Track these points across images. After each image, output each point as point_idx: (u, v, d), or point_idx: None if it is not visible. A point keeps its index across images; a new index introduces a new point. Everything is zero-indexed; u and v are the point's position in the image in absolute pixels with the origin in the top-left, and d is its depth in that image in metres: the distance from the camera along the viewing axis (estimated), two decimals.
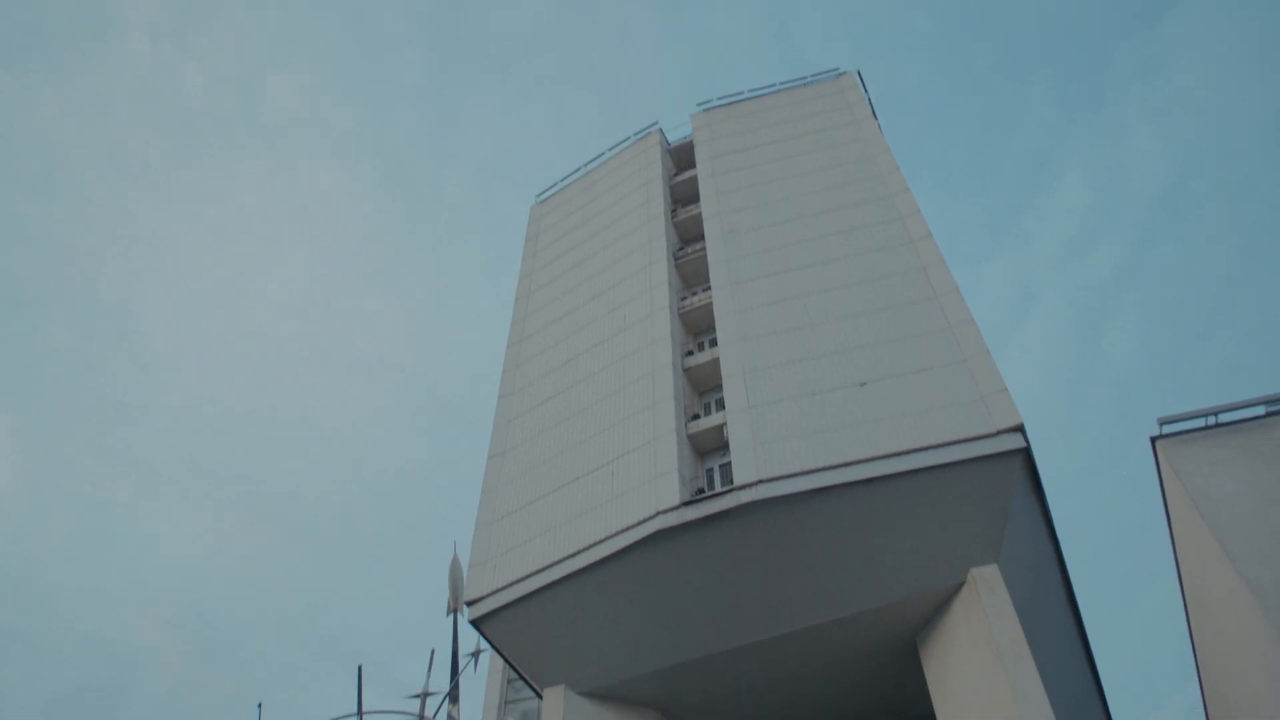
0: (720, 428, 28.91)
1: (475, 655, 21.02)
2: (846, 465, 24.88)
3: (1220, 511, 20.89)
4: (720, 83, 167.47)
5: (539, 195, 46.14)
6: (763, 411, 27.45)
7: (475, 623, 27.95)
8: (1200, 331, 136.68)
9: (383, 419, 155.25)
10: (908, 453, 24.67)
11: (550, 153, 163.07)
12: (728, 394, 28.67)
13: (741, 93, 43.42)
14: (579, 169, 45.51)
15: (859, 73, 41.62)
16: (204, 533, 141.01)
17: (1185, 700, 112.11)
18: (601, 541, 26.54)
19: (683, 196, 40.42)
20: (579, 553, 26.83)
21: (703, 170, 39.20)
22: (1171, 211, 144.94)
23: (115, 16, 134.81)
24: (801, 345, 29.09)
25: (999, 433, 24.37)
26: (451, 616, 21.09)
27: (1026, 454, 24.51)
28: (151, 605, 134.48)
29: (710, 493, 26.03)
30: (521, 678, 29.62)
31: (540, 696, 28.64)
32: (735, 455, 26.47)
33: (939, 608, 25.59)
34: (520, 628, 27.80)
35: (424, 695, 18.93)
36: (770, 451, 25.98)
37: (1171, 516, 23.10)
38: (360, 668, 18.31)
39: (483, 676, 41.02)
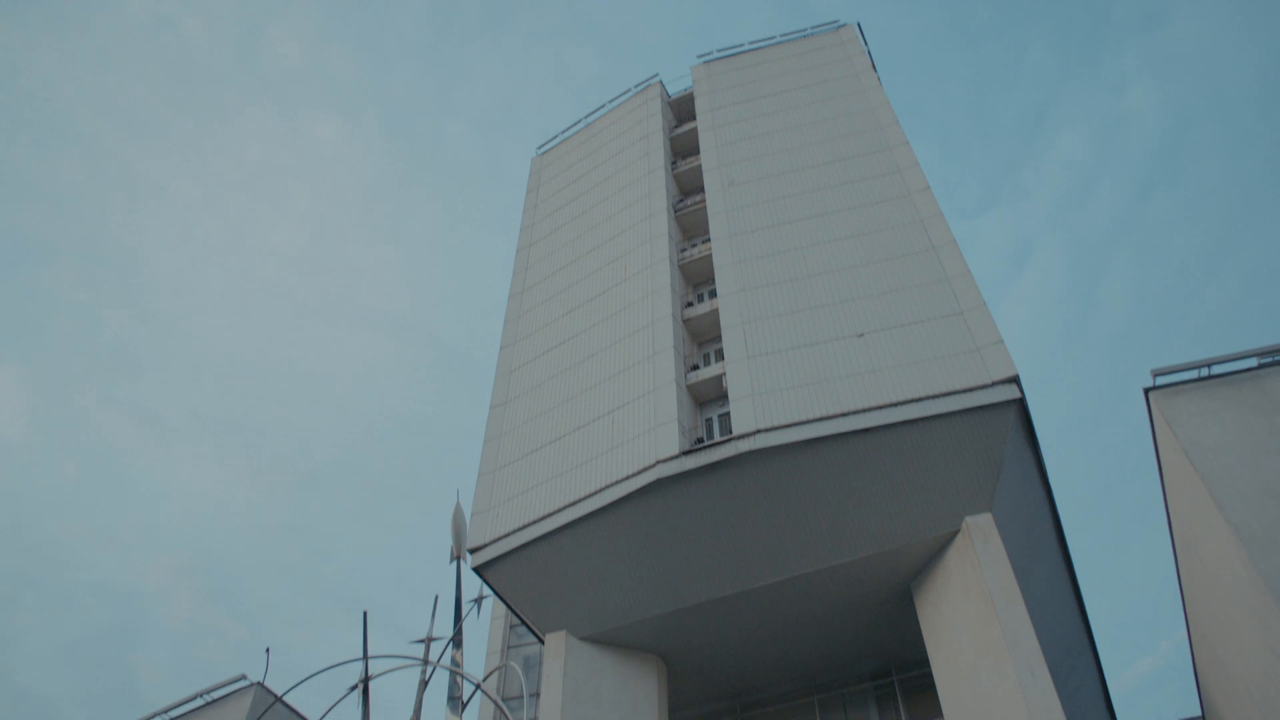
0: (719, 378, 29.19)
1: (478, 601, 21.34)
2: (843, 415, 25.19)
3: (1211, 461, 21.14)
4: (720, 34, 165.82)
5: (540, 147, 46.12)
6: (761, 362, 27.70)
7: (478, 570, 28.40)
8: (1195, 284, 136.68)
9: (386, 370, 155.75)
10: (904, 403, 24.98)
11: (551, 105, 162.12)
12: (727, 345, 28.92)
13: (741, 45, 43.28)
14: (579, 121, 45.46)
15: (859, 25, 41.45)
16: (211, 482, 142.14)
17: (1172, 644, 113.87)
18: (602, 490, 26.92)
19: (683, 149, 40.40)
20: (580, 501, 27.23)
21: (703, 122, 39.15)
22: (1168, 165, 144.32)
23: None
24: (800, 296, 29.27)
25: (994, 384, 24.66)
26: (455, 563, 21.39)
27: (1021, 405, 24.81)
28: (160, 553, 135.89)
29: (709, 442, 26.33)
30: (523, 623, 30.14)
31: (542, 641, 29.22)
32: (734, 405, 26.77)
33: (933, 555, 26.03)
34: (522, 574, 28.25)
35: (428, 640, 19.24)
36: (768, 401, 26.27)
37: (1163, 466, 23.43)
38: (366, 614, 18.62)
39: (486, 622, 41.79)
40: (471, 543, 28.42)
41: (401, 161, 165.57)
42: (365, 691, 18.11)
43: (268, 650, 19.43)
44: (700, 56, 43.67)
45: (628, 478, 26.67)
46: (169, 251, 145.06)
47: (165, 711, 23.03)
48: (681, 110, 42.75)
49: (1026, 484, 26.97)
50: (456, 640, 19.88)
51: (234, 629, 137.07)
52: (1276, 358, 22.80)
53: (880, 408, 25.11)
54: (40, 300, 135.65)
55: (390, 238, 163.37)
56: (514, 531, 28.14)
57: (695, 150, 39.17)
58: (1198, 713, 28.10)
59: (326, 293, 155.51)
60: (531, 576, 28.24)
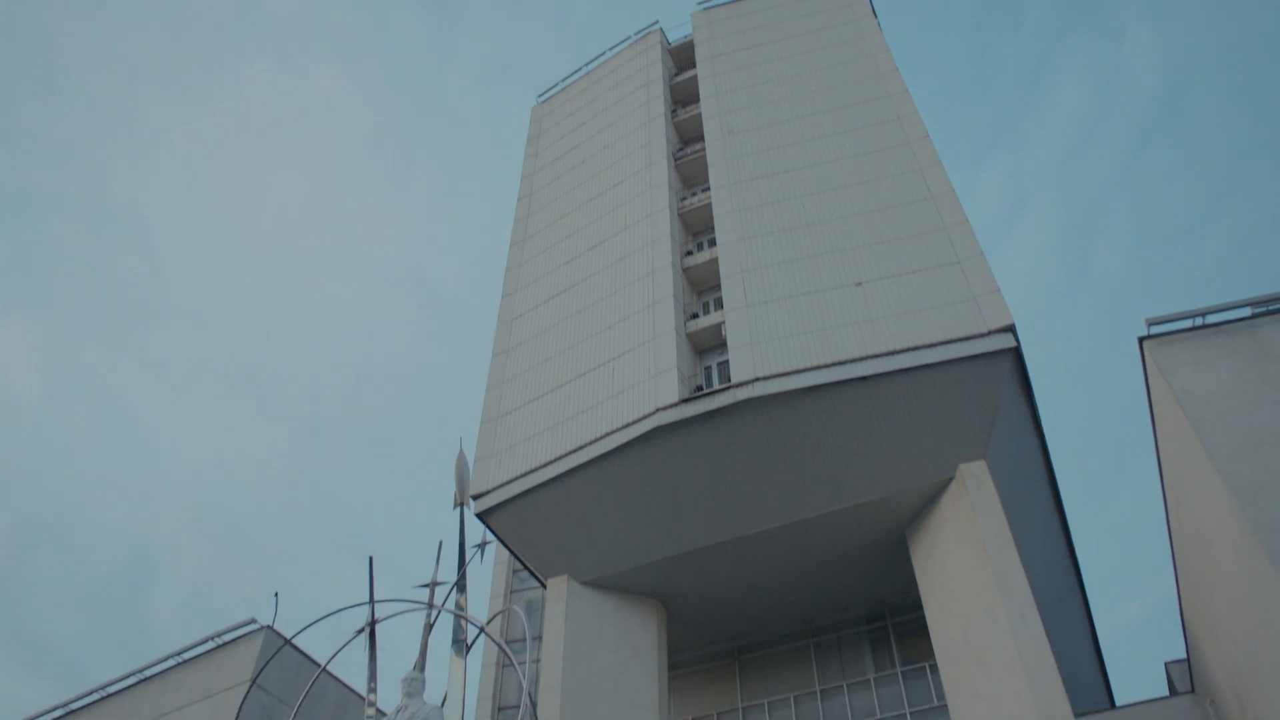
0: (718, 326, 29.41)
1: (481, 547, 21.71)
2: (841, 364, 25.45)
3: (1203, 409, 21.32)
4: None
5: (540, 96, 45.87)
6: (760, 310, 27.90)
7: (481, 516, 28.85)
8: (1192, 235, 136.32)
9: (390, 319, 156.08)
10: (901, 351, 25.21)
11: (551, 53, 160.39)
12: (726, 293, 29.10)
13: None
14: (580, 69, 45.16)
15: None
16: (219, 431, 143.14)
17: (1160, 589, 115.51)
18: (602, 437, 27.27)
19: (683, 97, 40.23)
20: (581, 448, 27.58)
21: (703, 70, 38.94)
22: (1168, 115, 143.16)
23: None
24: (799, 245, 29.39)
25: (990, 333, 24.88)
26: (458, 510, 21.75)
27: (1016, 354, 25.07)
28: (171, 501, 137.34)
29: (708, 390, 26.64)
30: (526, 568, 30.67)
31: (544, 586, 29.77)
32: (733, 353, 27.02)
33: (928, 502, 26.42)
34: (524, 520, 28.71)
35: (433, 585, 19.61)
36: (767, 350, 26.52)
37: (1155, 415, 23.68)
38: (371, 559, 19.03)
39: (489, 567, 42.42)
40: (475, 489, 28.78)
41: (403, 111, 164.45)
42: (371, 635, 18.54)
43: (276, 595, 19.90)
44: (700, 3, 43.28)
45: (628, 425, 27.00)
46: (173, 203, 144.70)
47: (178, 654, 23.57)
48: (681, 58, 42.47)
49: (1020, 432, 27.32)
50: (460, 585, 20.26)
51: (243, 575, 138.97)
52: (1271, 307, 22.90)
53: (877, 356, 25.35)
54: (47, 252, 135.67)
55: (392, 188, 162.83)
56: (516, 478, 28.54)
57: (695, 98, 39.01)
58: (1183, 655, 28.68)
59: (329, 243, 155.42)
60: (534, 522, 28.70)
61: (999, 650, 22.46)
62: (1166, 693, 29.64)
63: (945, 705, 25.51)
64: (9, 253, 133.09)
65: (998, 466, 25.79)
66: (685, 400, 26.42)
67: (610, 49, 44.55)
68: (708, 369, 29.61)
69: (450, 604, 19.71)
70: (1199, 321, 23.20)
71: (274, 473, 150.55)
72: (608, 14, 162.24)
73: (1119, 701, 35.08)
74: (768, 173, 32.44)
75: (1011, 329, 24.89)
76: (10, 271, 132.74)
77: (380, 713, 17.66)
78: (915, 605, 27.93)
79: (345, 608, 18.47)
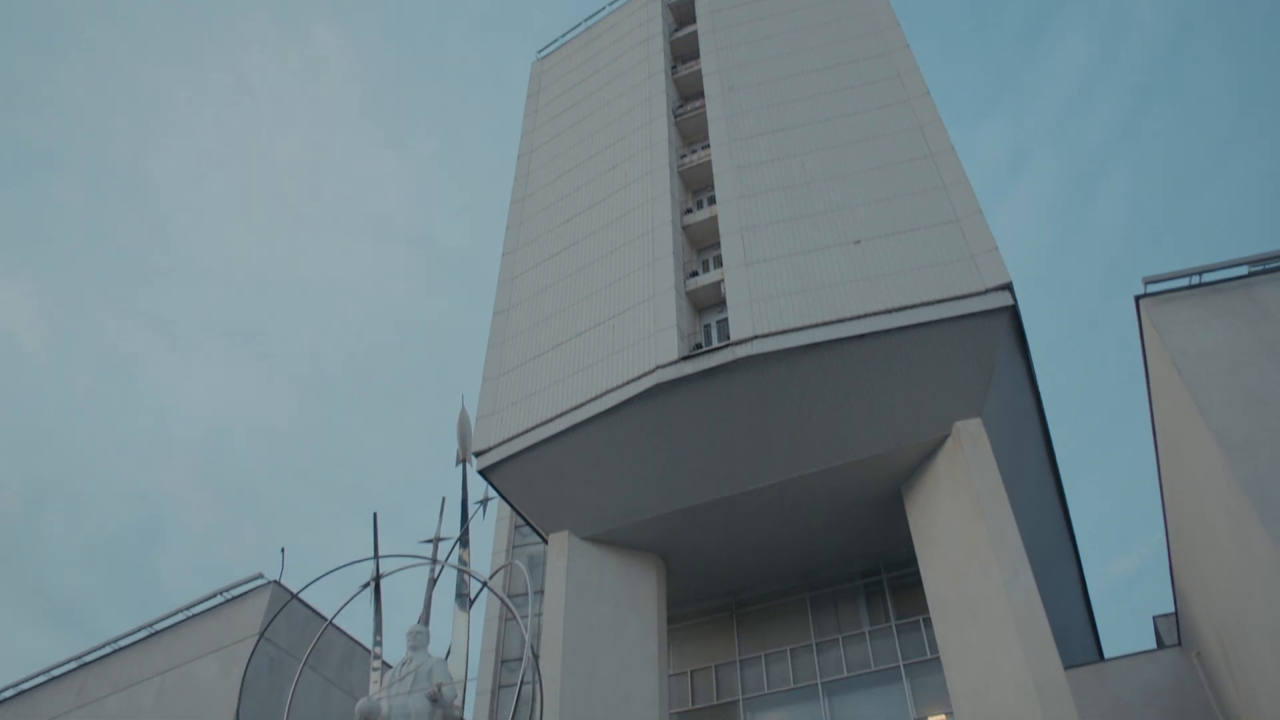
0: (718, 284, 29.54)
1: (484, 503, 21.96)
2: (839, 322, 25.62)
3: (1197, 368, 21.42)
4: None
5: (540, 51, 45.58)
6: (759, 268, 28.01)
7: (483, 472, 29.15)
8: (1192, 193, 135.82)
9: (391, 277, 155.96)
10: (898, 309, 25.37)
11: (551, 8, 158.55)
12: (725, 251, 29.19)
13: None
14: (580, 24, 44.85)
15: None
16: (223, 388, 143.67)
17: (1150, 546, 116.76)
18: (603, 395, 27.50)
19: (683, 52, 39.98)
20: (581, 405, 27.83)
21: (703, 25, 38.68)
22: (1169, 72, 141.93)
23: None
24: (798, 203, 29.43)
25: (987, 291, 25.01)
26: (460, 466, 21.99)
27: (1013, 312, 25.23)
28: (178, 459, 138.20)
29: (707, 348, 26.84)
30: (528, 524, 31.04)
31: (545, 541, 30.18)
32: (732, 311, 27.18)
33: (924, 459, 26.73)
34: (526, 477, 29.03)
35: (436, 540, 19.85)
36: (766, 308, 26.67)
37: (1150, 373, 23.85)
38: (375, 515, 19.22)
39: (491, 523, 42.85)
40: (477, 446, 29.04)
41: (402, 68, 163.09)
42: (377, 589, 18.79)
43: (282, 550, 20.15)
44: None
45: (628, 383, 27.21)
46: (173, 161, 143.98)
47: (187, 609, 23.97)
48: (682, 13, 42.15)
49: (1016, 390, 27.56)
50: (464, 540, 20.50)
51: (250, 530, 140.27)
52: (1268, 266, 22.94)
53: (875, 314, 25.50)
54: (49, 211, 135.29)
55: (392, 145, 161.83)
56: (518, 435, 28.82)
57: (695, 54, 38.79)
58: (1171, 609, 29.16)
59: (331, 200, 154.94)
60: (535, 479, 29.03)
61: (991, 604, 22.87)
62: (1154, 646, 30.15)
63: (938, 658, 25.97)
64: (10, 212, 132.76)
65: (993, 424, 26.05)
66: (685, 358, 26.60)
67: (610, 3, 44.23)
68: (707, 327, 29.78)
69: (453, 559, 19.97)
70: (1196, 280, 23.22)
71: (278, 429, 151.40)
72: None
73: (1108, 654, 35.69)
74: (768, 130, 32.38)
75: (1009, 287, 25.02)
76: (12, 231, 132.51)
77: (386, 665, 17.99)
78: (910, 560, 28.33)
79: (350, 563, 18.60)
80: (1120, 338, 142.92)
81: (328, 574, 18.39)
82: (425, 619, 18.55)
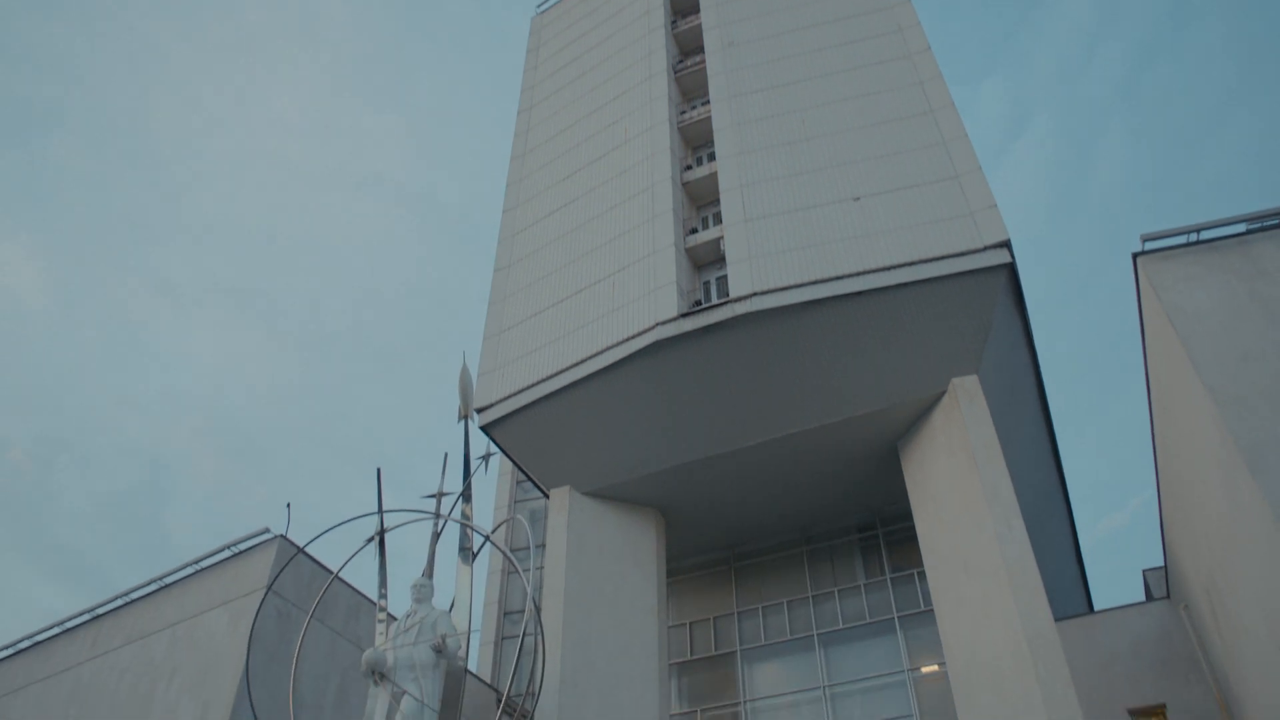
0: (717, 241, 29.63)
1: (485, 458, 22.21)
2: (838, 279, 25.76)
3: (1192, 325, 21.53)
4: None
5: (539, 6, 45.15)
6: (759, 225, 28.07)
7: (485, 428, 29.45)
8: (1192, 152, 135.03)
9: (393, 235, 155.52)
10: (897, 267, 25.49)
11: None
12: (725, 208, 29.23)
13: None
14: None
15: None
16: (227, 346, 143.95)
17: (1142, 502, 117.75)
18: (603, 351, 27.70)
19: (683, 7, 39.67)
20: (582, 362, 28.04)
21: None
22: (1170, 29, 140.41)
23: None
24: (798, 159, 29.42)
25: (985, 248, 25.13)
26: (462, 423, 22.23)
27: (1011, 270, 25.35)
28: (184, 416, 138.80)
29: (707, 304, 26.99)
30: (529, 479, 31.38)
31: (547, 496, 30.56)
32: (731, 268, 27.28)
33: (920, 415, 27.01)
34: (527, 432, 29.32)
35: (439, 495, 20.09)
36: (765, 265, 26.78)
37: (1145, 330, 24.00)
38: (379, 471, 19.46)
39: (493, 478, 43.31)
40: (479, 402, 29.30)
41: (401, 22, 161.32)
42: (381, 543, 19.08)
43: (288, 506, 20.46)
44: None
45: (628, 339, 27.40)
46: (173, 118, 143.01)
47: (196, 562, 24.33)
48: None
49: (1013, 347, 27.75)
50: (466, 495, 20.75)
51: (256, 486, 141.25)
52: (1266, 223, 23.00)
53: (874, 271, 25.64)
54: (49, 169, 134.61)
55: (392, 101, 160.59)
56: (519, 391, 29.06)
57: (695, 9, 38.50)
58: (1161, 563, 29.58)
59: (330, 158, 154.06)
60: (536, 434, 29.30)
61: (985, 558, 23.26)
62: (1143, 599, 30.62)
63: (932, 610, 26.46)
64: (11, 171, 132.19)
65: (989, 381, 26.28)
66: (684, 315, 26.76)
67: None
68: (706, 284, 29.90)
69: (456, 514, 20.25)
70: (1194, 238, 23.27)
71: (282, 387, 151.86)
72: None
73: (1098, 607, 36.22)
74: (768, 85, 32.26)
75: (1007, 245, 25.13)
76: (13, 190, 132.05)
77: (391, 617, 18.29)
78: (905, 515, 28.71)
79: (355, 517, 18.80)
80: (1117, 296, 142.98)
81: (333, 528, 18.65)
82: (429, 572, 18.84)
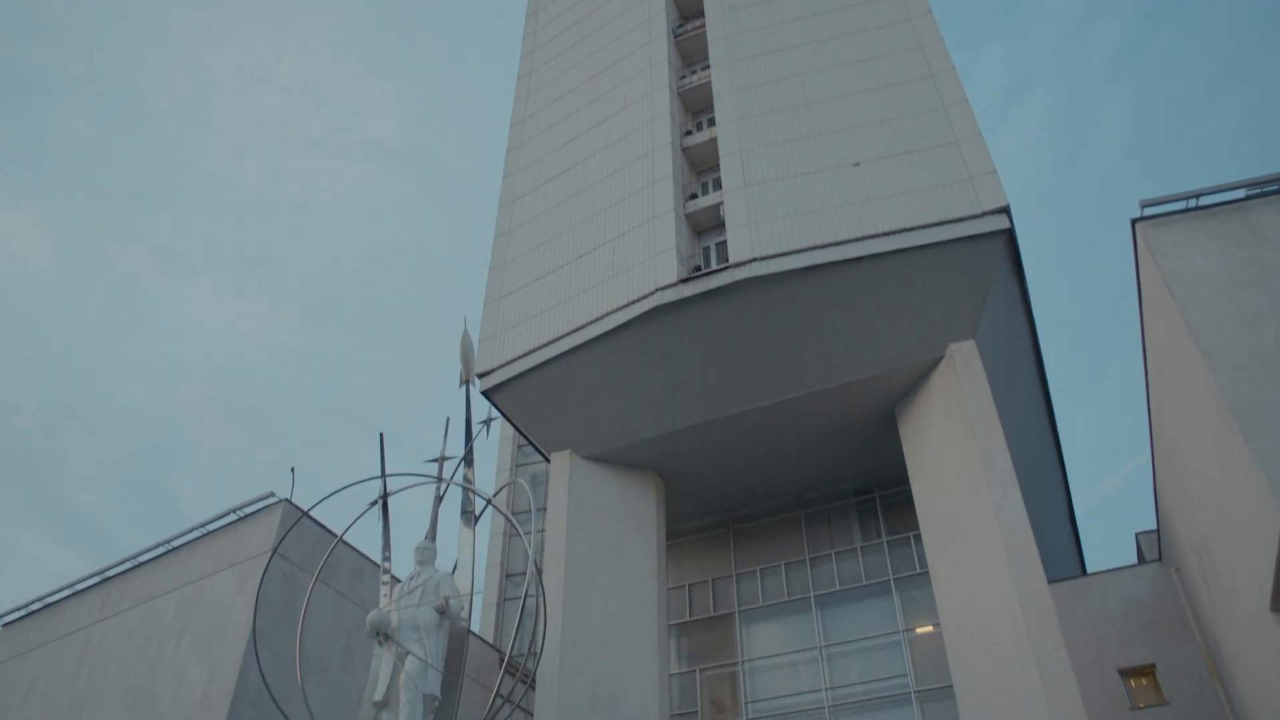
0: (717, 207, 29.67)
1: (487, 423, 22.46)
2: (837, 244, 25.82)
3: (1190, 291, 21.61)
4: None
5: None
6: (758, 191, 28.09)
7: (486, 393, 29.64)
8: (1192, 118, 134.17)
9: (394, 201, 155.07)
10: (896, 232, 25.55)
11: None
12: (725, 173, 29.23)
13: None
14: None
15: None
16: (230, 312, 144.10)
17: (1136, 466, 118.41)
18: (603, 317, 27.82)
19: None
20: (582, 327, 28.16)
21: None
22: None
23: None
24: (798, 124, 29.39)
25: (984, 214, 25.18)
26: (464, 388, 22.44)
27: (1009, 235, 25.42)
28: (189, 382, 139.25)
29: (707, 270, 27.08)
30: (530, 443, 31.62)
31: (548, 460, 30.82)
32: (731, 234, 27.32)
33: (918, 380, 27.20)
34: (528, 397, 29.51)
35: (441, 460, 20.35)
36: (764, 230, 26.84)
37: (1143, 296, 24.11)
38: (382, 435, 19.66)
39: (495, 442, 43.63)
40: (480, 368, 29.43)
41: None
42: (384, 507, 19.35)
43: (292, 470, 20.72)
44: None
45: (628, 305, 27.50)
46: (173, 84, 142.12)
47: (202, 526, 24.67)
48: None
49: (1011, 313, 27.88)
50: (468, 459, 20.99)
51: (260, 451, 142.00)
52: (1265, 189, 23.03)
53: (872, 237, 25.70)
54: (49, 136, 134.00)
55: (393, 68, 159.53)
56: (520, 357, 29.20)
57: None
58: (1154, 526, 29.92)
59: (332, 125, 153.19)
60: (537, 399, 29.49)
61: (980, 522, 23.54)
62: (1136, 561, 31.00)
63: (927, 573, 26.75)
64: (12, 138, 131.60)
65: (987, 347, 26.44)
66: (684, 280, 26.84)
67: None
68: (706, 249, 29.96)
69: (458, 478, 20.49)
70: (1193, 204, 23.30)
71: (286, 352, 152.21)
72: None
73: (1091, 570, 36.63)
74: (768, 50, 32.14)
75: (1006, 210, 25.18)
76: (14, 157, 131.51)
77: (395, 579, 18.59)
78: (902, 479, 28.96)
79: (359, 481, 19.00)
80: (1115, 263, 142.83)
81: (337, 492, 18.90)
82: (432, 535, 19.13)
